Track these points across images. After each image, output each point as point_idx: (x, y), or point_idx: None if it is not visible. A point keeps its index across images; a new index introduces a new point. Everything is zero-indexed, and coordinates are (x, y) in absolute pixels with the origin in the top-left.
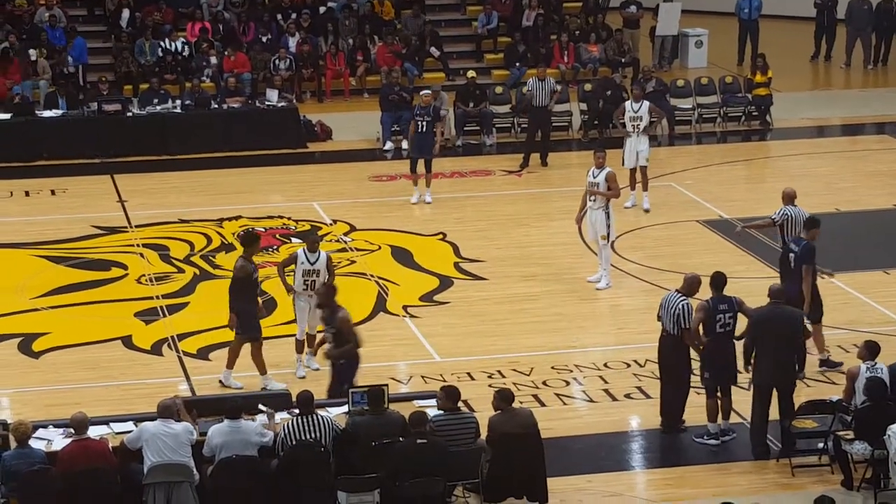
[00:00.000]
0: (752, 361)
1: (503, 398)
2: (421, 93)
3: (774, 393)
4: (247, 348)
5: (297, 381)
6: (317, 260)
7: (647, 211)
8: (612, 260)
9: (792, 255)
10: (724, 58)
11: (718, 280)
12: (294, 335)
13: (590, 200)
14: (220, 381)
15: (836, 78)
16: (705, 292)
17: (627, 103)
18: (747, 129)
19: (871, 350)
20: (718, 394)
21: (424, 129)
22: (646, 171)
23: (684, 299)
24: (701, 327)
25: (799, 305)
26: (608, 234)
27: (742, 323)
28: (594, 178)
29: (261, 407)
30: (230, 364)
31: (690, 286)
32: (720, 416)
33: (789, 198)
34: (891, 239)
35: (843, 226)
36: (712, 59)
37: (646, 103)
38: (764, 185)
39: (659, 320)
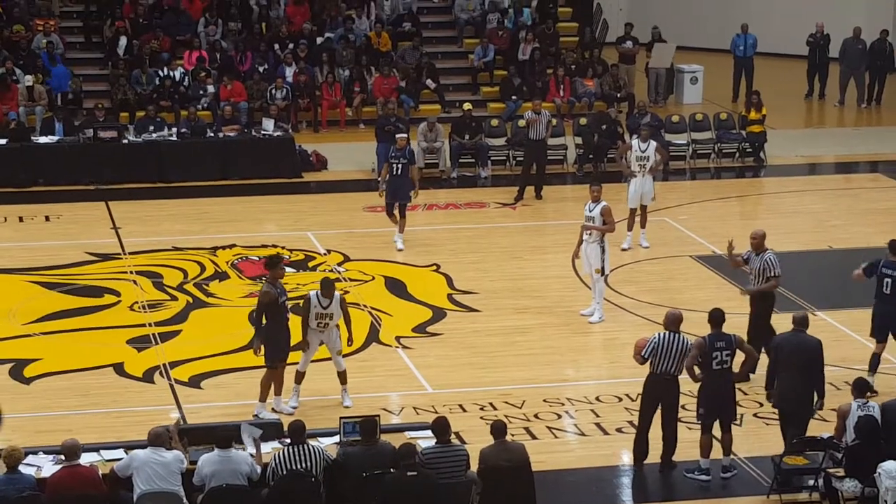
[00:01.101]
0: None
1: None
2: (397, 136)
3: None
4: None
5: (318, 410)
6: (329, 304)
7: (645, 248)
8: (606, 294)
9: (889, 279)
10: (719, 94)
11: (716, 317)
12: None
13: (585, 234)
14: (273, 409)
15: (829, 116)
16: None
17: (635, 142)
18: (741, 166)
19: (860, 389)
20: (718, 431)
21: (400, 171)
22: (646, 211)
23: (683, 336)
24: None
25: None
26: (602, 268)
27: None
28: (590, 212)
29: (244, 435)
30: (277, 391)
31: (676, 322)
32: (721, 452)
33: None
34: None
35: (835, 263)
36: (707, 96)
37: (653, 143)
38: (757, 222)
39: (645, 362)
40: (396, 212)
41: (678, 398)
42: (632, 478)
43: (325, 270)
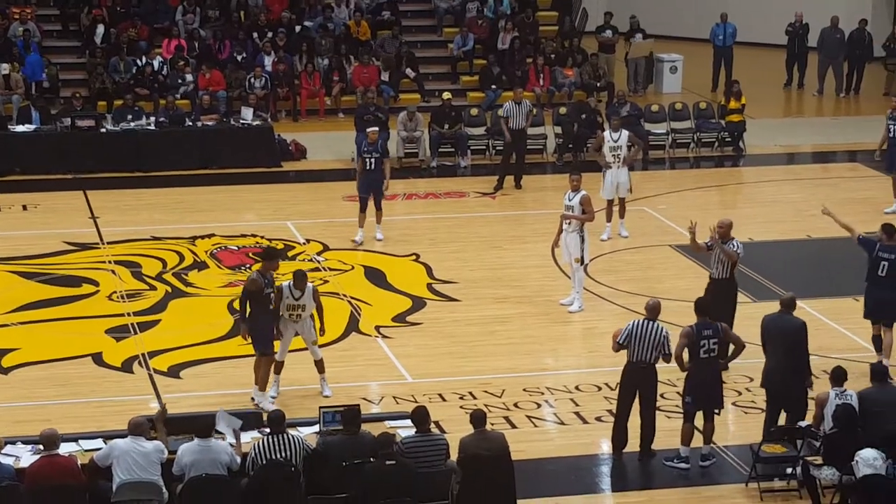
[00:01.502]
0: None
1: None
2: (368, 130)
3: None
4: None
5: (299, 399)
6: (301, 296)
7: (625, 237)
8: (585, 283)
9: (885, 262)
10: (698, 84)
11: (703, 306)
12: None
13: (565, 224)
14: (252, 399)
15: (808, 106)
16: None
17: (606, 133)
18: (720, 155)
19: (838, 377)
20: (701, 419)
21: (373, 166)
22: (624, 202)
23: (660, 325)
24: (686, 353)
25: (891, 307)
26: (582, 258)
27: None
28: (569, 201)
29: (222, 424)
30: (263, 382)
31: (655, 310)
32: (702, 441)
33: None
34: (861, 266)
35: (813, 252)
36: (686, 85)
37: (625, 133)
38: (736, 211)
39: (621, 349)
40: (371, 207)
41: (655, 387)
42: (611, 466)
43: (304, 260)
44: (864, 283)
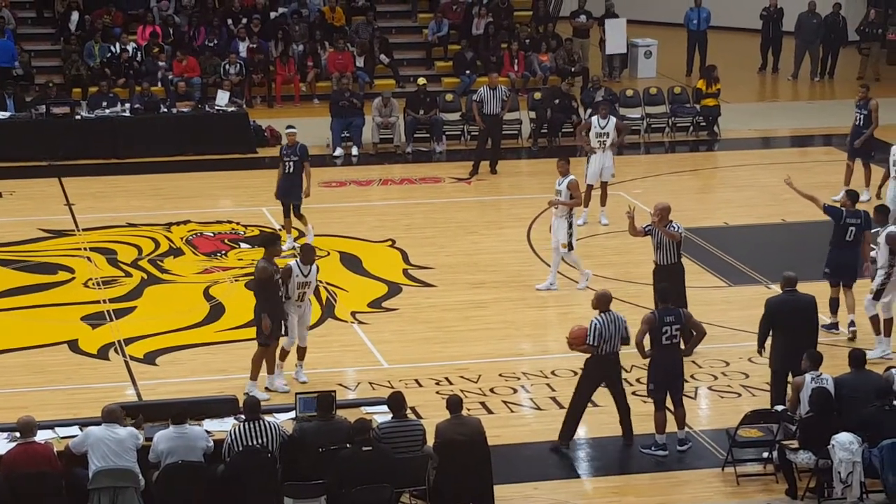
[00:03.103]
0: (769, 348)
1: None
2: (285, 131)
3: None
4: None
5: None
6: (310, 272)
7: (605, 225)
8: (561, 268)
9: (853, 227)
10: (673, 68)
11: (665, 293)
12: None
13: (553, 209)
14: (266, 388)
15: (783, 90)
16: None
17: (594, 119)
18: (695, 140)
19: (814, 360)
20: (669, 406)
21: (292, 169)
22: (607, 186)
23: (617, 313)
24: (647, 339)
25: (853, 270)
26: (569, 243)
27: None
28: (559, 185)
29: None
30: (270, 370)
31: (608, 301)
32: (676, 426)
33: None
34: None
35: (789, 237)
36: (661, 70)
37: (612, 119)
38: (711, 196)
39: (594, 349)
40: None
41: (621, 372)
42: (587, 452)
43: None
44: (828, 248)
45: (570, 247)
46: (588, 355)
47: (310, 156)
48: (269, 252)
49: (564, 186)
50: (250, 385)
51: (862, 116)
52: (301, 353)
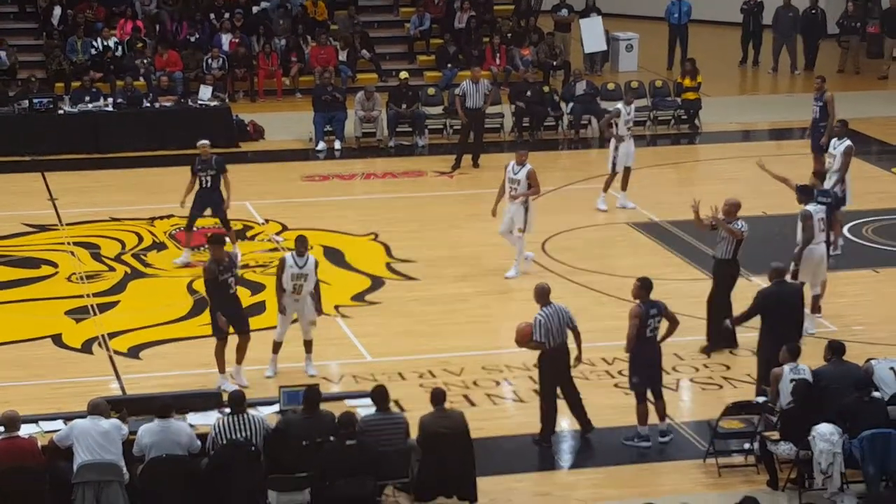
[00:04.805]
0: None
1: (436, 397)
2: (198, 143)
3: None
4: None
5: (262, 380)
6: (305, 264)
7: (603, 211)
8: (543, 261)
9: (824, 206)
10: (654, 62)
11: (648, 284)
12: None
13: (509, 196)
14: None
15: (763, 83)
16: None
17: (621, 106)
18: (676, 133)
19: (793, 353)
20: (650, 398)
21: (209, 184)
22: (629, 172)
23: (558, 304)
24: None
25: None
26: (524, 227)
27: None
28: (514, 174)
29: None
30: (238, 360)
31: (547, 294)
32: (657, 418)
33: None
34: None
35: (769, 229)
36: (642, 63)
37: (634, 105)
38: (692, 189)
39: (542, 345)
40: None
41: (569, 363)
42: (570, 444)
43: (263, 240)
44: None
45: (524, 231)
46: (539, 352)
47: (226, 167)
48: (213, 251)
49: (523, 175)
50: (221, 379)
51: (818, 108)
52: (308, 346)
